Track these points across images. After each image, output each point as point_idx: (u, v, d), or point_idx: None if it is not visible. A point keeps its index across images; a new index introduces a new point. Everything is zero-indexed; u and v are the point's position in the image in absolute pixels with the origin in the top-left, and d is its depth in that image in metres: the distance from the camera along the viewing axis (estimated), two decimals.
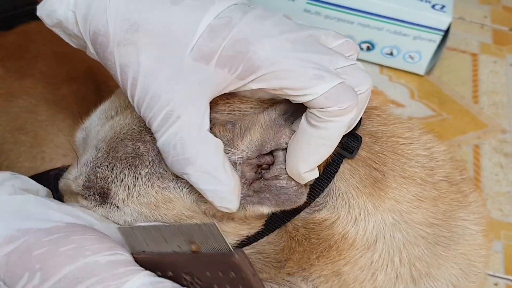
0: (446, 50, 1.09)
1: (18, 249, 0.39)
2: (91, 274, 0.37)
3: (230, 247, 0.38)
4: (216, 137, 0.40)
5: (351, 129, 0.42)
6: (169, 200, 0.44)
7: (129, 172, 0.44)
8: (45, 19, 0.43)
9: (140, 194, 0.44)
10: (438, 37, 0.99)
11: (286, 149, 0.41)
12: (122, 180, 0.45)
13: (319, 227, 0.45)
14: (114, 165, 0.45)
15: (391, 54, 1.04)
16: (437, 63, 1.06)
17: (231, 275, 0.38)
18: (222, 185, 0.39)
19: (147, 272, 0.39)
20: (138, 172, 0.44)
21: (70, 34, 0.43)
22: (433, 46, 1.01)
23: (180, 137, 0.39)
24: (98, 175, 0.45)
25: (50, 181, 0.50)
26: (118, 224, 0.46)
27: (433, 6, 0.98)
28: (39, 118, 0.69)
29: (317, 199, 0.45)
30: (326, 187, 0.45)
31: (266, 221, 0.46)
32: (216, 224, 0.38)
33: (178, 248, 0.40)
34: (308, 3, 1.00)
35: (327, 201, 0.45)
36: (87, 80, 0.74)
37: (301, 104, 0.39)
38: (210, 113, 0.40)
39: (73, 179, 0.47)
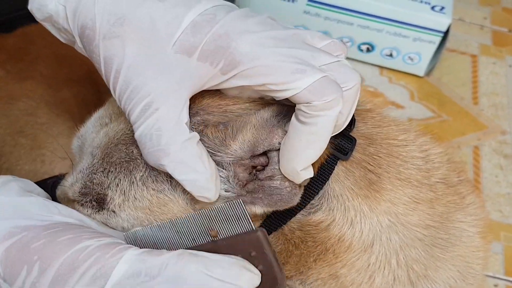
0: (446, 52, 1.08)
1: (17, 244, 0.39)
2: (86, 256, 0.38)
3: (253, 225, 0.39)
4: (209, 138, 0.41)
5: (342, 128, 0.42)
6: (164, 203, 0.44)
7: (124, 177, 0.45)
8: (35, 13, 0.43)
9: (136, 198, 0.45)
10: (437, 39, 0.99)
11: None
12: (118, 184, 0.45)
13: (315, 230, 0.46)
14: (109, 171, 0.45)
15: (391, 55, 1.04)
16: (437, 64, 1.06)
17: (252, 254, 0.39)
18: (199, 174, 0.40)
19: (137, 247, 0.40)
20: (133, 176, 0.44)
21: (59, 29, 0.44)
22: (433, 48, 1.01)
23: (157, 128, 0.39)
24: (94, 181, 0.45)
25: (48, 189, 0.50)
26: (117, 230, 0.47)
27: (432, 8, 0.98)
28: (39, 121, 0.69)
29: (312, 201, 0.45)
30: (321, 188, 0.45)
31: (261, 223, 0.46)
32: (240, 200, 0.39)
33: (193, 242, 0.41)
34: (308, 4, 1.00)
35: (322, 203, 0.45)
36: (87, 83, 0.74)
37: (294, 106, 0.39)
38: (203, 114, 0.40)
39: (69, 186, 0.47)
